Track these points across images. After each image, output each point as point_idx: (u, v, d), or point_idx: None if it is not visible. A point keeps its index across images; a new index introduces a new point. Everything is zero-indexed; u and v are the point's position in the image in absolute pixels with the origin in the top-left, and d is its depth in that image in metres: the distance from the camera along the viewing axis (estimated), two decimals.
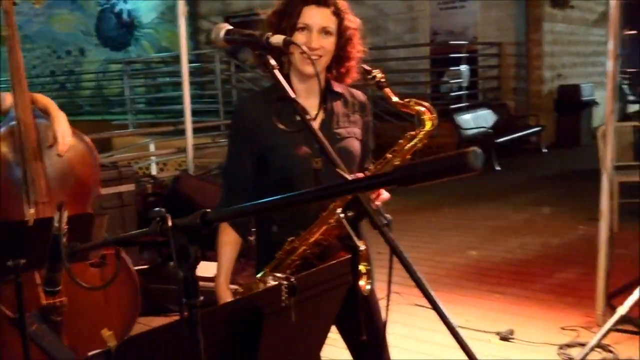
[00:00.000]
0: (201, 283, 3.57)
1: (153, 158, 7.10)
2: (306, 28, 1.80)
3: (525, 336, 3.52)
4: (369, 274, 1.83)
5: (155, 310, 3.98)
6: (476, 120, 9.30)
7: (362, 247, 1.29)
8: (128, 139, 9.13)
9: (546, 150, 10.66)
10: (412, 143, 1.76)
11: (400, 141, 1.78)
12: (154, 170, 6.87)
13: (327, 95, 1.91)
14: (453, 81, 10.08)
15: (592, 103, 11.33)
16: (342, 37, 1.85)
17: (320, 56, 1.81)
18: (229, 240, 1.91)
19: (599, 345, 3.14)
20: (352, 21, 1.87)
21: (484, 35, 11.06)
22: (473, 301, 4.17)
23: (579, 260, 4.85)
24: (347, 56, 1.88)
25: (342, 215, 1.34)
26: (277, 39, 1.46)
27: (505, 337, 3.51)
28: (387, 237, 1.18)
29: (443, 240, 5.72)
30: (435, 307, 1.19)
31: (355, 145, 1.91)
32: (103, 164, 4.45)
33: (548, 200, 7.19)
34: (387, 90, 1.77)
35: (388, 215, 1.21)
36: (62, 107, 2.86)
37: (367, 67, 1.82)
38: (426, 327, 3.61)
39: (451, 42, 10.56)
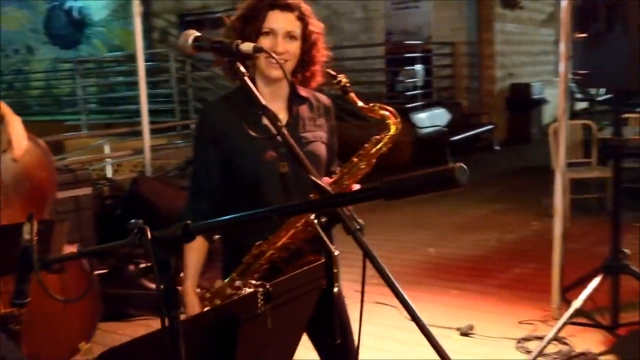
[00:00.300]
0: None
1: (108, 160, 6.96)
2: (271, 33, 1.82)
3: (484, 331, 3.61)
4: (336, 276, 1.86)
5: (115, 316, 3.92)
6: (431, 119, 9.45)
7: (336, 252, 1.31)
8: (81, 140, 8.91)
9: (498, 148, 10.90)
10: (377, 147, 1.79)
11: (366, 145, 1.81)
12: (109, 173, 6.74)
13: (293, 100, 1.92)
14: (408, 80, 10.21)
15: (542, 101, 11.65)
16: (307, 42, 1.87)
17: (286, 60, 1.82)
18: (195, 245, 1.89)
19: (555, 338, 3.24)
20: (316, 25, 1.90)
21: (438, 35, 11.23)
22: (432, 297, 4.24)
23: (533, 256, 5.00)
24: (312, 60, 1.90)
25: (315, 220, 1.36)
26: (247, 46, 1.47)
27: (465, 333, 3.59)
28: (360, 242, 1.21)
29: (401, 238, 5.80)
30: (408, 309, 1.22)
31: (321, 149, 1.93)
32: (57, 167, 4.35)
33: (502, 196, 7.37)
34: (352, 94, 1.79)
35: (360, 220, 1.23)
36: (10, 107, 2.79)
37: (333, 72, 1.84)
38: (388, 325, 3.66)
39: (406, 42, 10.68)
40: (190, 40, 1.52)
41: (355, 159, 1.78)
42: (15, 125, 2.70)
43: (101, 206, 4.80)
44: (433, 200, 7.04)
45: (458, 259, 5.07)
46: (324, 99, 2.03)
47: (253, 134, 1.61)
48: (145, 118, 5.08)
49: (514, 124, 11.41)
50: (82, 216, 4.24)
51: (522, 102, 11.26)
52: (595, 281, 3.29)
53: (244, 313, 1.17)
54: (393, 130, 1.79)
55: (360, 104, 1.80)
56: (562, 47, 3.34)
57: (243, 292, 1.17)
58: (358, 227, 1.22)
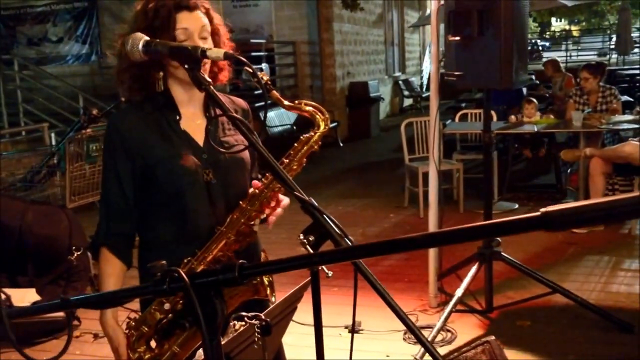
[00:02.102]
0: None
1: None
2: (186, 36, 1.67)
3: (371, 326, 3.68)
4: (272, 286, 1.78)
5: None
6: (280, 117, 9.50)
7: (330, 273, 1.23)
8: None
9: (342, 144, 11.28)
10: (308, 145, 1.74)
11: (296, 145, 1.75)
12: None
13: (210, 103, 1.80)
14: (254, 79, 10.14)
15: (379, 98, 12.25)
16: (215, 36, 1.77)
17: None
18: (113, 271, 1.71)
19: (441, 328, 3.40)
20: (218, 17, 1.81)
21: (279, 34, 11.32)
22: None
23: None
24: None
25: (304, 240, 1.26)
26: (217, 52, 1.33)
27: (354, 330, 3.64)
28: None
29: (270, 239, 5.74)
30: (397, 313, 1.19)
31: (245, 154, 1.83)
32: None
33: (355, 191, 7.61)
34: (275, 92, 1.72)
35: (351, 237, 1.16)
36: None
37: (251, 70, 1.74)
38: None
39: (252, 41, 10.62)
40: (140, 44, 1.33)
41: (285, 160, 1.72)
42: None
43: None
44: (292, 199, 7.03)
45: None
46: (240, 102, 1.94)
47: (224, 142, 1.45)
48: None
49: (354, 120, 11.88)
50: None
51: (360, 99, 11.75)
52: (473, 269, 3.50)
53: (238, 348, 1.06)
54: (322, 127, 1.75)
55: (285, 102, 1.73)
56: (432, 48, 3.50)
57: (233, 326, 1.04)
58: (350, 244, 1.15)
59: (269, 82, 1.69)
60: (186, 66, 1.33)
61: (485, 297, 3.66)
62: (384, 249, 0.73)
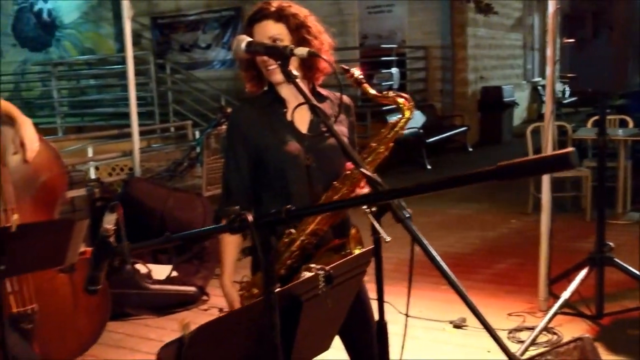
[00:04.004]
0: (155, 287, 3.62)
1: (92, 162, 6.98)
2: None
3: (476, 323, 3.67)
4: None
5: (113, 315, 3.96)
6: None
7: (388, 239, 1.42)
8: (58, 143, 8.84)
9: (471, 149, 11.16)
10: (394, 130, 1.93)
11: (382, 130, 1.95)
12: (92, 175, 6.75)
13: (315, 97, 2.04)
14: (384, 84, 10.37)
15: (513, 104, 11.97)
16: (296, 32, 1.91)
17: (274, 66, 1.86)
18: (231, 239, 1.99)
19: (544, 328, 3.41)
20: (299, 13, 1.94)
21: (411, 39, 11.44)
22: (422, 293, 4.37)
23: (514, 252, 5.19)
24: (310, 43, 1.90)
25: (367, 210, 1.47)
26: (302, 51, 1.57)
27: (458, 325, 3.74)
28: (409, 229, 1.32)
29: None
30: (459, 292, 1.34)
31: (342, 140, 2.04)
32: None
33: (478, 196, 7.57)
34: (366, 85, 1.93)
35: (409, 209, 1.34)
36: None
37: (345, 67, 1.96)
38: None
39: (383, 46, 10.85)
40: (243, 45, 1.62)
41: (373, 144, 1.92)
42: (27, 128, 2.74)
43: (92, 208, 4.82)
44: (413, 201, 7.10)
45: (443, 256, 5.02)
46: (344, 97, 2.14)
47: (304, 131, 1.69)
48: (134, 120, 5.12)
49: (485, 125, 11.69)
50: (77, 218, 4.26)
51: (493, 104, 11.55)
52: (582, 273, 3.46)
53: (306, 294, 1.28)
54: (407, 114, 1.94)
55: (373, 92, 1.94)
56: (549, 52, 3.51)
57: (304, 275, 1.27)
58: (407, 215, 1.33)
59: (359, 77, 1.90)
60: (278, 62, 1.58)
61: (596, 303, 3.60)
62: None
